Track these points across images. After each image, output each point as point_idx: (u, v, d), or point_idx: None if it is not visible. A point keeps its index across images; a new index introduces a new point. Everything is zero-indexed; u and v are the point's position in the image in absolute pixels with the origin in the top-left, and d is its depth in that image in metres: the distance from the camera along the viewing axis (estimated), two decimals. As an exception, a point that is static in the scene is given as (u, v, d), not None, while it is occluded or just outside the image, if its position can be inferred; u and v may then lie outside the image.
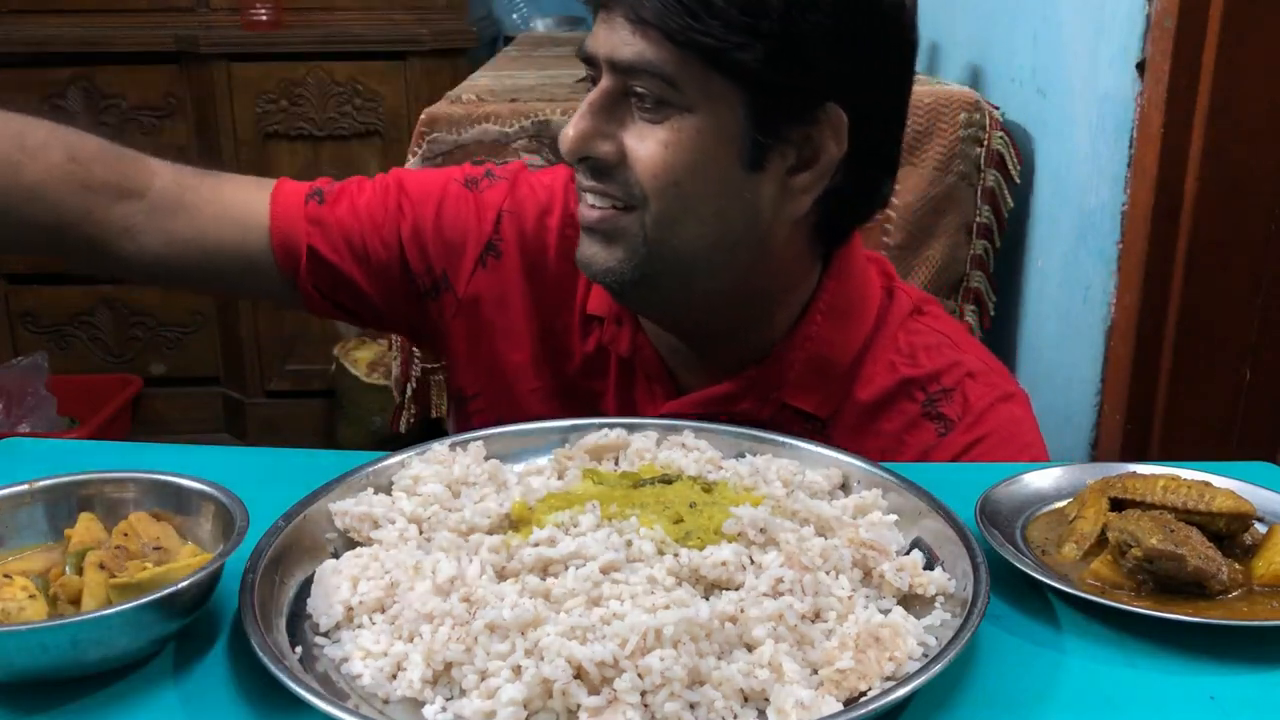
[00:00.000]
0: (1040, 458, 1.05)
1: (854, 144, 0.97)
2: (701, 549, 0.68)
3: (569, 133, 0.96)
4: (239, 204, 1.09)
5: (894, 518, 0.76)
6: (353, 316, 1.17)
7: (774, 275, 1.03)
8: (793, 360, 1.05)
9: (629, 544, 0.68)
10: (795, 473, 0.81)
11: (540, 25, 3.52)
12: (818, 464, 0.84)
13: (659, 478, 0.78)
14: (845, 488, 0.83)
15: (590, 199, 0.98)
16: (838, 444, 1.02)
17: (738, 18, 0.91)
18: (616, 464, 0.84)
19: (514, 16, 3.65)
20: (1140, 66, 1.50)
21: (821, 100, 0.95)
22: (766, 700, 0.59)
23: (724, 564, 0.66)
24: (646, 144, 0.96)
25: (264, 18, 3.11)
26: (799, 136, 0.97)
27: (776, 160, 0.97)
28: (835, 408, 1.06)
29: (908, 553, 0.73)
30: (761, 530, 0.69)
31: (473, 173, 1.17)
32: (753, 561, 0.67)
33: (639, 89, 0.95)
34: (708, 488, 0.77)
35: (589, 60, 0.99)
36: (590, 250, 0.99)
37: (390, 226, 1.10)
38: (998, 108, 1.87)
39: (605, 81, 0.97)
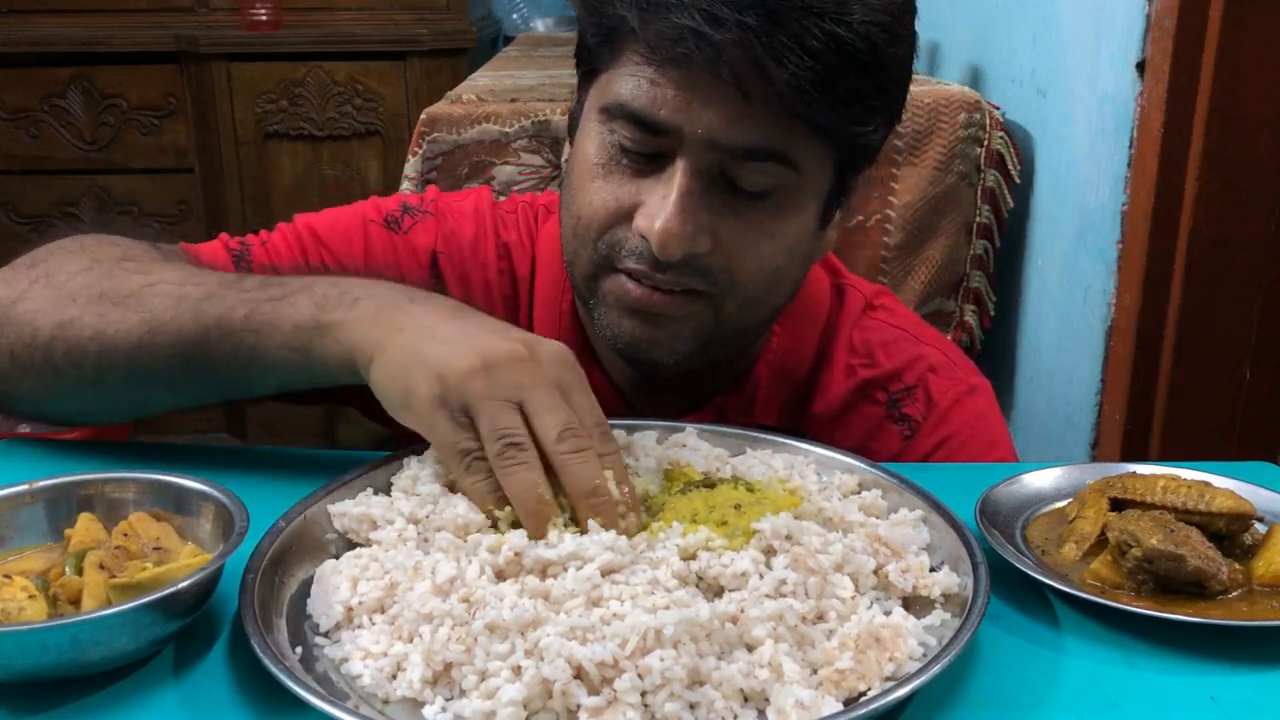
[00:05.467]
0: (1007, 454, 1.02)
1: None
2: (738, 550, 0.68)
3: (670, 232, 0.82)
4: None
5: (919, 513, 0.75)
6: (294, 396, 0.98)
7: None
8: (759, 378, 1.01)
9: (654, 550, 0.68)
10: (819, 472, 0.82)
11: (540, 25, 3.52)
12: (821, 465, 0.83)
13: (700, 481, 0.78)
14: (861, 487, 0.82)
15: (646, 280, 0.87)
16: None
17: (872, 91, 0.83)
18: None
19: (514, 16, 3.65)
20: (1140, 66, 1.50)
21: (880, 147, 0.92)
22: (766, 700, 0.59)
23: (743, 574, 0.66)
24: (750, 236, 0.86)
25: (264, 18, 3.11)
26: (854, 185, 0.94)
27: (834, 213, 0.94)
28: (800, 418, 1.02)
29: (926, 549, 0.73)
30: (787, 538, 0.69)
31: (387, 208, 1.05)
32: (769, 567, 0.67)
33: (748, 174, 0.84)
34: (751, 487, 0.77)
35: (654, 127, 0.83)
36: (644, 332, 0.89)
37: None
38: (998, 108, 1.87)
39: (695, 164, 0.83)
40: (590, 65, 0.91)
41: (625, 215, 0.87)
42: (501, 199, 1.11)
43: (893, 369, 1.02)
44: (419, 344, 0.73)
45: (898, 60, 0.85)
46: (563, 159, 0.99)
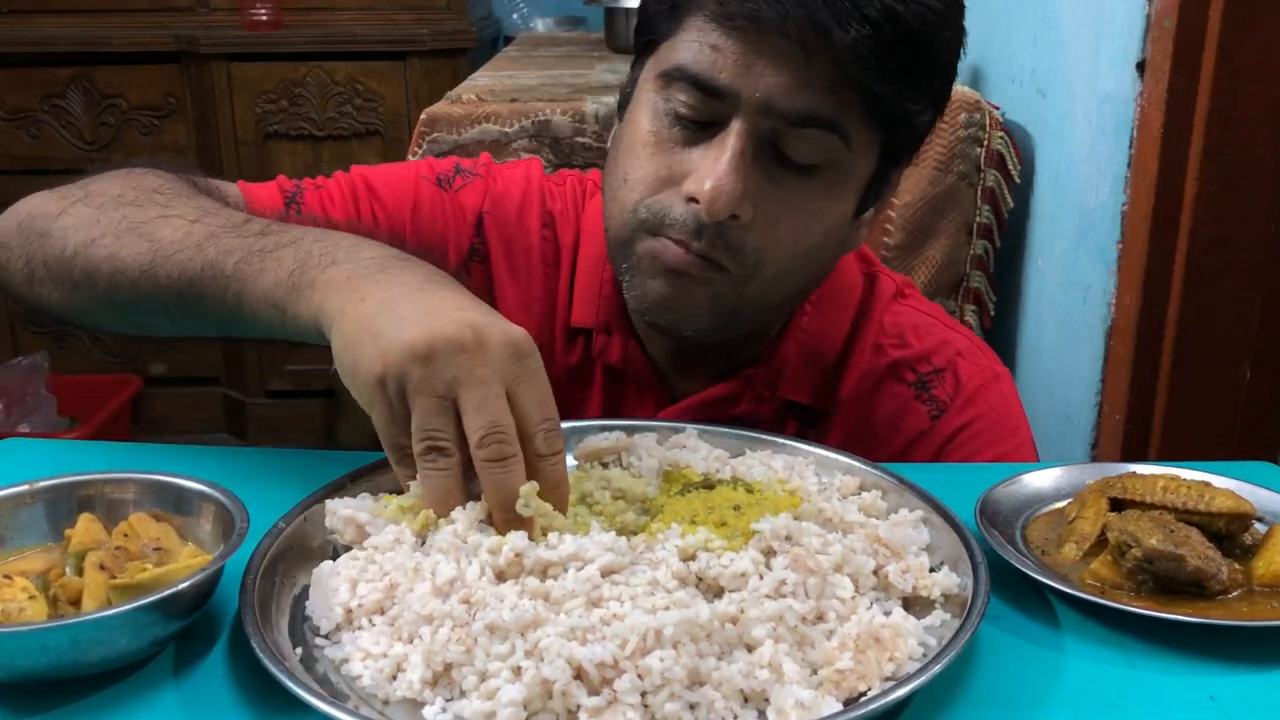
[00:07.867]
0: (1026, 440, 1.05)
1: None
2: (737, 551, 0.68)
3: (722, 189, 0.85)
4: None
5: (919, 514, 0.75)
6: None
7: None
8: (787, 354, 1.04)
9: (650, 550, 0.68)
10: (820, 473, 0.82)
11: (540, 25, 3.52)
12: (821, 465, 0.83)
13: (700, 483, 0.78)
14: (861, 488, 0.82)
15: (674, 242, 0.89)
16: (834, 434, 1.01)
17: (922, 71, 0.87)
18: (622, 465, 0.83)
19: (514, 16, 3.65)
20: (1140, 66, 1.50)
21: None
22: (766, 701, 0.59)
23: (742, 575, 0.66)
24: (789, 210, 0.88)
25: (264, 18, 3.11)
26: (894, 180, 0.97)
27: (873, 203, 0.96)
28: (829, 397, 1.05)
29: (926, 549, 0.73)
30: (787, 538, 0.69)
31: (441, 168, 1.10)
32: (769, 568, 0.67)
33: (800, 144, 0.87)
34: (750, 488, 0.77)
35: (714, 91, 0.87)
36: (669, 293, 0.90)
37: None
38: (998, 108, 1.87)
39: (750, 128, 0.86)
40: (648, 37, 0.94)
41: (672, 182, 0.89)
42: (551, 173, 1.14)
43: (923, 351, 1.06)
44: (375, 316, 0.72)
45: (946, 45, 0.89)
46: (610, 136, 1.02)
